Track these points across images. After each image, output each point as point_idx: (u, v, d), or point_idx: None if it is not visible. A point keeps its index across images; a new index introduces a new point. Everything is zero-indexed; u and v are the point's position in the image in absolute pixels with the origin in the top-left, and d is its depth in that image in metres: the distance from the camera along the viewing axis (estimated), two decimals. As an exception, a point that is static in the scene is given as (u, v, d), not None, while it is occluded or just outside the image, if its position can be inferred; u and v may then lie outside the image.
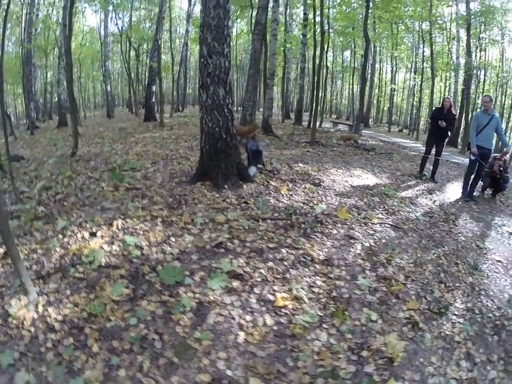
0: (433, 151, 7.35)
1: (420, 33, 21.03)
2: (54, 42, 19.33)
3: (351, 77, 27.88)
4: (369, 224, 4.01)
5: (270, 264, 2.81)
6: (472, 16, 17.63)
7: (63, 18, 14.44)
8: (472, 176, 6.50)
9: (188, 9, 25.47)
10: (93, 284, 2.48)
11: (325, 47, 18.17)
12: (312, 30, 13.94)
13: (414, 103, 23.73)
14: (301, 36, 16.33)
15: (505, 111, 23.17)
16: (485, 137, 6.19)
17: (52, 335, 2.06)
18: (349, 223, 3.86)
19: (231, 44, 5.38)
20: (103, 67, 23.33)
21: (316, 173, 6.02)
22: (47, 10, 19.31)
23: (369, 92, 26.36)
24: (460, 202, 6.18)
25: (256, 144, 5.91)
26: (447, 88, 24.98)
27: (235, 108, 16.13)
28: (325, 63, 19.41)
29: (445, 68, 21.05)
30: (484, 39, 20.87)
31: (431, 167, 7.38)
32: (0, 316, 2.17)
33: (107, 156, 6.89)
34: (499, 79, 23.31)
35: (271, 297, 2.42)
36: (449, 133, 7.34)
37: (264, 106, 11.27)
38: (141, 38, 22.73)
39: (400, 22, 20.44)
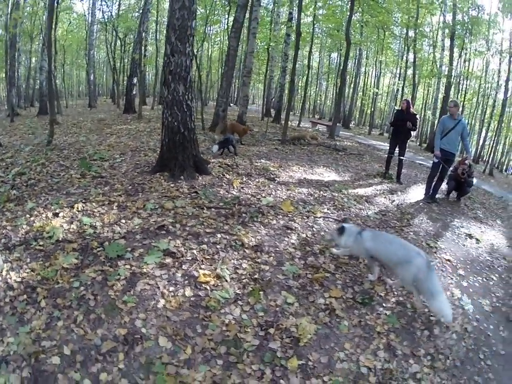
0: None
1: (405, 40, 21.63)
2: (40, 27, 19.17)
3: (336, 78, 28.49)
4: (312, 217, 4.44)
5: (203, 246, 3.23)
6: (458, 26, 18.36)
7: (49, 5, 14.55)
8: (436, 179, 6.77)
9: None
10: (49, 255, 2.91)
11: (310, 48, 18.87)
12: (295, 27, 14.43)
13: (396, 107, 24.49)
14: (285, 36, 16.74)
15: (485, 120, 23.99)
16: (449, 141, 6.49)
17: (10, 292, 2.49)
18: (290, 215, 4.30)
19: (195, 43, 5.72)
20: (88, 56, 23.27)
21: (276, 169, 6.46)
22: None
23: (352, 95, 27.03)
24: (420, 204, 6.51)
25: (231, 136, 7.35)
26: (429, 95, 25.81)
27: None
28: (307, 64, 19.98)
29: (428, 75, 21.73)
30: (467, 50, 21.74)
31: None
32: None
33: (81, 145, 7.22)
34: (481, 89, 24.26)
35: (196, 274, 2.83)
36: (412, 133, 7.84)
37: (240, 103, 11.71)
38: (127, 28, 22.83)
39: (385, 27, 20.92)
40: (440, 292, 2.86)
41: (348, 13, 13.96)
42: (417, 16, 19.10)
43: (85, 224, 3.37)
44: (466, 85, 23.90)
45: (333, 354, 2.37)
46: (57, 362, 2.00)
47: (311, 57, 21.51)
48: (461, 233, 5.31)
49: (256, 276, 2.96)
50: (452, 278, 3.80)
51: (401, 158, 7.67)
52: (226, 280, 2.81)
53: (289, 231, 3.92)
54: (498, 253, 4.95)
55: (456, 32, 18.41)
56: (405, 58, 22.72)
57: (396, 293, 3.22)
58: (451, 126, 6.40)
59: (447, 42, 20.26)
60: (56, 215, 3.60)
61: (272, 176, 5.95)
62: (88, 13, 23.81)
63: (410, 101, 7.99)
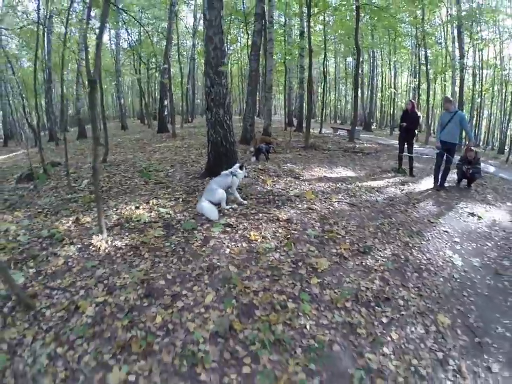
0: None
1: (416, 38, 22.53)
2: (69, 57, 21.00)
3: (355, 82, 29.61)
4: (329, 202, 5.76)
5: (251, 221, 4.60)
6: (465, 14, 19.12)
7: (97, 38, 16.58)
8: (442, 168, 7.61)
9: (193, 24, 27.66)
10: (142, 230, 4.31)
11: (324, 55, 20.21)
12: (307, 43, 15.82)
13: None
14: (299, 49, 18.18)
15: (506, 108, 24.36)
16: (448, 133, 7.36)
17: (119, 250, 3.82)
18: (312, 201, 5.63)
19: (228, 75, 7.18)
20: (117, 81, 25.53)
21: (300, 170, 7.77)
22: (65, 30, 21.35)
23: (370, 97, 28.09)
24: (429, 191, 7.39)
25: (263, 146, 8.88)
26: (446, 90, 26.53)
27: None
28: (322, 72, 21.28)
29: (442, 70, 22.45)
30: (477, 40, 22.31)
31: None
32: (87, 245, 3.92)
33: (132, 161, 8.79)
34: (498, 78, 24.77)
35: (248, 235, 4.18)
36: (416, 131, 8.93)
37: (264, 116, 13.24)
38: (150, 53, 24.96)
39: (392, 30, 21.85)
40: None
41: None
42: (423, 15, 20.10)
43: (162, 212, 4.79)
44: (480, 75, 24.32)
45: (341, 279, 3.57)
46: (163, 283, 3.23)
47: (326, 63, 22.87)
48: (464, 212, 6.20)
49: (288, 236, 4.28)
50: (446, 243, 4.78)
51: (411, 155, 8.74)
52: (269, 239, 4.15)
53: (311, 211, 5.23)
54: (499, 226, 5.75)
55: (464, 23, 19.22)
56: (417, 55, 23.59)
57: (392, 247, 4.43)
58: (448, 119, 7.33)
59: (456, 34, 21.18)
60: (137, 208, 5.03)
61: (297, 175, 7.28)
62: (112, 42, 26.35)
63: (415, 102, 9.18)
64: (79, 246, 3.90)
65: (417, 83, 23.66)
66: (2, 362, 2.32)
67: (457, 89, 20.92)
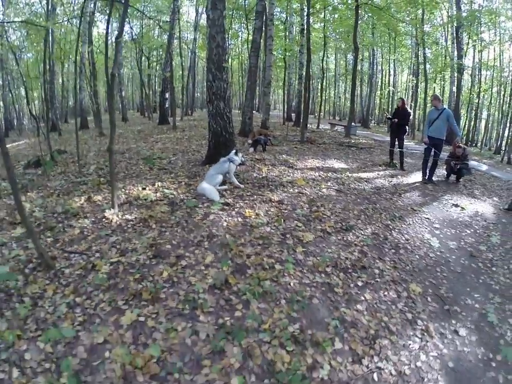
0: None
1: (416, 38, 22.96)
2: (69, 50, 21.25)
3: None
4: (318, 188, 6.28)
5: (246, 201, 5.11)
6: (464, 17, 19.52)
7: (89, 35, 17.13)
8: (430, 163, 8.11)
9: (195, 18, 28.08)
10: (149, 206, 4.80)
11: (323, 53, 20.68)
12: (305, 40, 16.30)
13: (411, 104, 25.69)
14: (300, 45, 18.64)
15: (505, 109, 24.82)
16: (435, 129, 7.85)
17: (130, 222, 4.32)
18: (303, 187, 6.14)
19: (229, 71, 7.65)
20: (118, 74, 25.91)
21: (294, 161, 8.26)
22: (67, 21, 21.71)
23: (369, 94, 28.57)
24: (417, 184, 7.89)
25: (261, 138, 9.41)
26: (445, 89, 27.01)
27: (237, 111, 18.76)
28: (321, 69, 21.76)
29: (440, 70, 22.90)
30: (475, 41, 22.82)
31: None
32: (100, 218, 4.41)
33: (136, 150, 9.26)
34: (497, 79, 25.21)
35: (243, 212, 4.68)
36: (406, 127, 9.43)
37: (262, 110, 13.73)
38: (151, 47, 25.40)
39: (392, 30, 22.29)
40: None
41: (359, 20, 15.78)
42: (423, 15, 20.56)
43: (166, 193, 5.28)
44: (479, 76, 24.83)
45: (323, 249, 4.09)
46: (169, 247, 3.70)
47: (326, 60, 23.29)
48: (448, 203, 6.71)
49: (279, 214, 4.80)
50: (426, 228, 5.33)
51: (402, 150, 9.28)
52: (262, 216, 4.66)
53: (301, 194, 5.76)
54: (481, 217, 6.27)
55: (464, 24, 19.62)
56: (417, 54, 24.01)
57: (373, 227, 4.95)
58: (435, 116, 7.84)
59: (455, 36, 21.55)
60: (144, 189, 5.53)
61: (291, 165, 7.78)
62: (114, 34, 26.62)
63: (405, 99, 9.70)
64: (92, 219, 4.38)
65: (415, 82, 24.11)
66: (24, 311, 2.76)
67: (454, 89, 21.40)
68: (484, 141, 26.92)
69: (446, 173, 8.73)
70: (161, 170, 6.84)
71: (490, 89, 26.00)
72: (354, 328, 2.97)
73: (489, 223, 6.09)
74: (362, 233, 4.71)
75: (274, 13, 16.89)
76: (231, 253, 3.64)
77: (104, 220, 4.34)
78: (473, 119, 25.80)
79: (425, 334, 3.10)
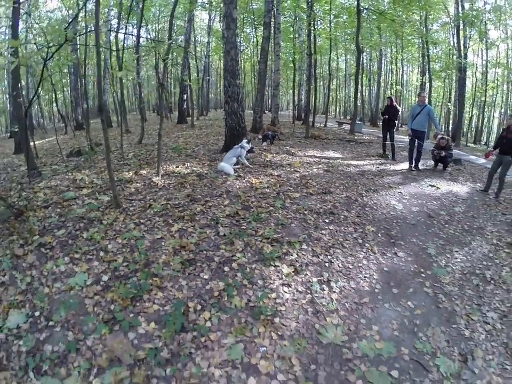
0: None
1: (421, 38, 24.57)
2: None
3: (361, 79, 31.88)
4: (310, 168, 8.25)
5: (253, 175, 7.15)
6: (468, 15, 20.86)
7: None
8: (415, 152, 9.56)
9: (208, 23, 30.32)
10: (183, 176, 6.88)
11: (329, 55, 22.56)
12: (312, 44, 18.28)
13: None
14: (307, 48, 20.61)
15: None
16: (418, 122, 9.33)
17: (171, 184, 6.33)
18: (298, 168, 8.15)
19: (241, 77, 9.73)
20: (138, 77, 28.22)
21: (295, 151, 10.27)
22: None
23: (377, 94, 30.35)
24: (403, 170, 9.38)
25: (269, 133, 11.23)
26: (452, 88, 28.51)
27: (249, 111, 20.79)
28: (328, 71, 23.64)
29: (443, 69, 24.46)
30: (476, 40, 24.26)
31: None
32: (149, 183, 6.47)
33: (163, 143, 11.39)
34: (505, 77, 26.74)
35: (250, 181, 6.71)
36: (396, 122, 11.22)
37: (272, 110, 15.87)
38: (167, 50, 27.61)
39: (394, 32, 23.87)
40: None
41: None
42: (426, 16, 22.21)
43: (194, 169, 7.39)
44: (486, 73, 26.15)
45: (305, 202, 5.93)
46: (199, 197, 5.62)
47: (337, 60, 24.98)
48: (425, 184, 8.07)
49: (276, 182, 6.78)
50: (395, 198, 6.93)
51: (392, 142, 11.09)
52: (264, 183, 6.66)
53: (295, 172, 7.76)
54: (453, 194, 7.50)
55: (471, 21, 21.10)
56: (423, 53, 25.56)
57: (348, 194, 6.85)
58: (418, 111, 9.40)
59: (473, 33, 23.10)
60: (177, 167, 7.64)
61: (292, 154, 9.81)
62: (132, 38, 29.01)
63: (393, 97, 11.58)
64: (143, 183, 6.48)
65: (421, 80, 25.74)
66: (104, 228, 4.74)
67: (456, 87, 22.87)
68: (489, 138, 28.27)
69: (433, 162, 10.23)
70: (187, 156, 8.96)
71: (502, 86, 27.29)
72: (318, 241, 4.77)
73: (459, 198, 7.33)
74: (338, 196, 6.52)
75: (284, 17, 18.88)
76: (241, 200, 5.68)
77: (152, 183, 6.43)
78: (480, 117, 27.19)
79: (370, 251, 4.72)
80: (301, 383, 2.62)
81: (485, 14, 22.41)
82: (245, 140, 7.89)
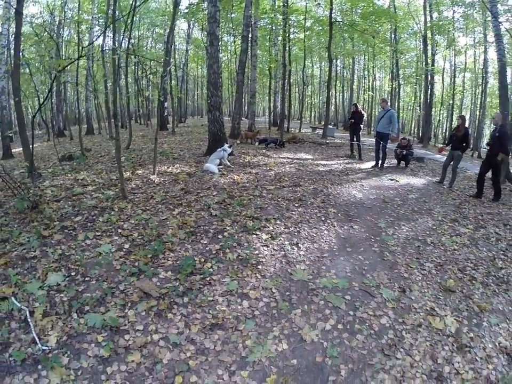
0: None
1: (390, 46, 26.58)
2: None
3: (335, 86, 33.76)
4: (283, 167, 9.70)
5: (235, 173, 8.59)
6: (431, 26, 23.07)
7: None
8: (381, 152, 10.89)
9: (187, 30, 31.69)
10: (175, 174, 8.18)
11: (303, 64, 24.20)
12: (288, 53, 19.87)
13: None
14: (282, 58, 22.21)
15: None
16: (381, 125, 10.76)
17: (166, 181, 7.57)
18: (272, 167, 9.56)
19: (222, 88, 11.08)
20: (118, 85, 29.20)
21: (271, 154, 11.73)
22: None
23: (350, 99, 32.28)
24: (368, 169, 10.83)
25: (267, 138, 12.71)
26: (421, 93, 30.60)
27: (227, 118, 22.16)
28: (302, 79, 25.25)
29: (410, 75, 26.51)
30: (440, 47, 26.33)
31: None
32: (147, 180, 7.74)
33: (149, 149, 12.63)
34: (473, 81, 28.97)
35: (232, 177, 8.12)
36: (361, 125, 12.70)
37: (249, 117, 17.33)
38: (146, 58, 28.79)
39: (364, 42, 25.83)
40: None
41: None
42: (396, 27, 24.19)
43: (183, 170, 8.68)
44: (454, 78, 28.39)
45: (278, 193, 7.28)
46: (192, 190, 6.90)
47: (312, 67, 26.50)
48: (386, 178, 9.50)
49: (254, 178, 8.19)
50: (356, 189, 8.29)
51: (358, 143, 12.64)
52: (244, 179, 8.07)
53: (271, 170, 9.19)
54: (409, 185, 8.89)
55: (435, 31, 23.24)
56: (391, 61, 27.71)
57: (315, 186, 8.26)
58: (381, 115, 10.87)
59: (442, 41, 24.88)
60: (168, 168, 8.92)
61: (267, 156, 11.24)
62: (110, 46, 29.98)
63: (358, 104, 13.18)
64: (141, 181, 7.76)
65: (392, 86, 27.71)
66: (116, 215, 5.96)
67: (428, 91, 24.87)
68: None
69: (396, 161, 11.72)
70: (175, 159, 10.27)
71: (472, 89, 29.60)
72: (289, 218, 6.08)
73: (414, 188, 8.69)
74: (306, 188, 7.91)
75: (260, 26, 20.39)
76: (226, 191, 7.06)
77: (149, 180, 7.71)
78: (449, 119, 29.33)
79: (331, 225, 5.95)
80: (280, 303, 3.89)
81: (453, 23, 24.56)
82: (226, 145, 9.28)
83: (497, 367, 3.35)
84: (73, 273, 4.08)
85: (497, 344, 3.62)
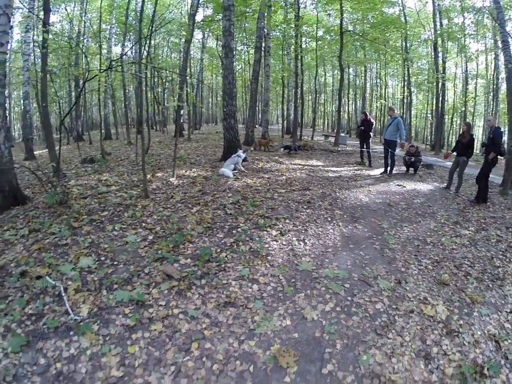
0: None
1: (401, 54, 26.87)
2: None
3: (347, 94, 34.37)
4: (294, 173, 10.25)
5: (248, 177, 9.18)
6: (443, 33, 23.05)
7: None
8: (390, 159, 11.33)
9: (202, 40, 32.63)
10: (193, 177, 8.82)
11: (316, 72, 24.80)
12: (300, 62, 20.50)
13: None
14: (295, 67, 22.88)
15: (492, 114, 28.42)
16: (389, 132, 11.21)
17: (184, 183, 8.20)
18: (284, 172, 10.14)
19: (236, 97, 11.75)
20: (136, 91, 30.21)
21: (283, 160, 12.31)
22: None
23: (362, 107, 32.75)
24: (377, 176, 11.25)
25: (291, 145, 13.38)
26: (433, 100, 30.77)
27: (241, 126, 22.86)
28: (314, 88, 25.85)
29: (422, 83, 26.80)
30: (450, 54, 26.45)
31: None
32: (166, 182, 8.38)
33: (167, 154, 13.32)
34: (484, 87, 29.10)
35: (246, 181, 8.74)
36: (370, 133, 13.27)
37: (262, 125, 17.99)
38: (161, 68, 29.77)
39: (375, 51, 26.26)
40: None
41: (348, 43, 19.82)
42: (406, 35, 24.61)
43: (200, 174, 9.31)
44: (466, 85, 28.33)
45: (288, 195, 7.82)
46: (208, 191, 7.53)
47: (325, 76, 27.04)
48: (393, 184, 9.89)
49: (266, 182, 8.78)
50: (363, 193, 8.78)
51: (368, 150, 13.16)
52: (257, 183, 8.67)
53: (282, 175, 9.75)
54: (416, 191, 9.21)
55: (445, 38, 23.36)
56: (404, 69, 28.00)
57: (323, 190, 8.78)
58: (389, 123, 11.37)
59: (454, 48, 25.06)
60: (185, 172, 9.55)
61: (280, 162, 11.83)
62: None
63: (367, 112, 13.70)
64: (161, 183, 8.39)
65: (404, 94, 28.06)
66: (140, 211, 6.65)
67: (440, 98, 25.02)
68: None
69: (405, 167, 12.13)
70: (192, 164, 10.92)
71: (485, 96, 29.78)
72: (297, 218, 6.60)
73: (420, 193, 8.99)
74: (315, 192, 8.40)
75: (274, 35, 21.05)
76: (240, 193, 7.63)
77: (169, 182, 8.35)
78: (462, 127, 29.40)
79: (336, 225, 6.46)
80: (285, 288, 4.42)
81: (464, 29, 24.77)
82: (240, 151, 9.92)
83: (484, 352, 3.66)
84: (102, 258, 4.62)
85: (486, 331, 3.95)
